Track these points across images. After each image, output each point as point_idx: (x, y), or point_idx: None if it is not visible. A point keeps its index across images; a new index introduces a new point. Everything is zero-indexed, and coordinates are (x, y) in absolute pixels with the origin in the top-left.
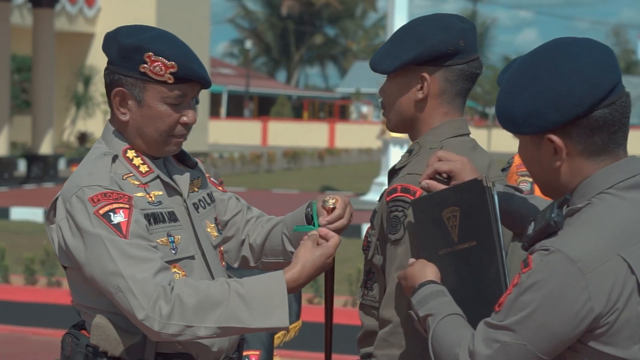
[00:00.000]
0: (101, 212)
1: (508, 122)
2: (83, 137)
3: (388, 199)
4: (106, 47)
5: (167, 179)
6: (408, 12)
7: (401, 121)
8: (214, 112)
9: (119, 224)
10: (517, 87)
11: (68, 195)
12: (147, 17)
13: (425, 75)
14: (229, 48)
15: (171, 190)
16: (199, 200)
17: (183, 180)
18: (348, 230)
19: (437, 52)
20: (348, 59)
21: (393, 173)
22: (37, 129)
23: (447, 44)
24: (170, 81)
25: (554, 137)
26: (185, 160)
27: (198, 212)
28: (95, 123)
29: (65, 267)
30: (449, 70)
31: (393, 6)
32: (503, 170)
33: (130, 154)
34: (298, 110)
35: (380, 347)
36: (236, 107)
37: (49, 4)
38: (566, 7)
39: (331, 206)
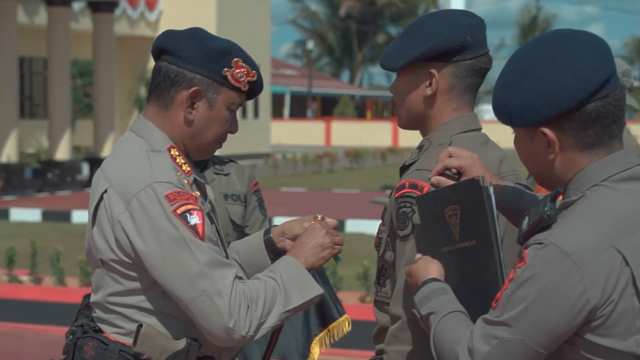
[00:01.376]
0: (179, 211)
1: (503, 114)
2: None
3: (396, 195)
4: (180, 45)
5: (202, 181)
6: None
7: (411, 118)
8: (277, 113)
9: (195, 225)
10: (512, 80)
11: (131, 192)
12: (208, 19)
13: (433, 71)
14: (292, 49)
15: (202, 192)
16: (214, 208)
17: (207, 184)
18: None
19: (444, 48)
20: None
21: (404, 170)
22: (99, 132)
23: (454, 40)
24: (244, 89)
25: (547, 131)
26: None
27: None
28: None
29: (99, 265)
30: (457, 65)
31: (452, 5)
32: None
33: (174, 152)
34: (361, 109)
35: (391, 343)
36: (299, 108)
37: (108, 8)
38: (634, 2)
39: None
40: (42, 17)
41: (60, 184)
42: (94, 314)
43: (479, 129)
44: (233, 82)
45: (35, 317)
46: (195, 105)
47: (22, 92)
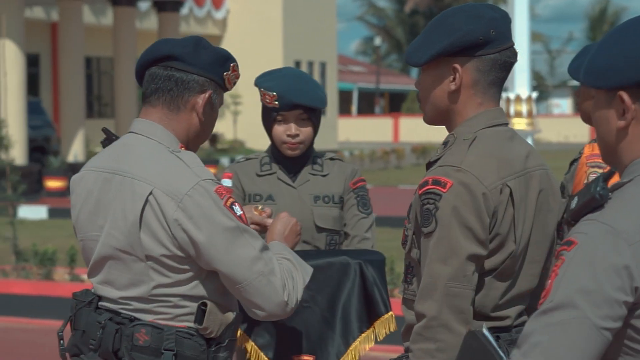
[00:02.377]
0: (228, 204)
1: (589, 73)
2: (214, 138)
3: (420, 192)
4: (191, 52)
5: None
6: (534, 4)
7: (436, 113)
8: (345, 110)
9: (241, 215)
10: (606, 43)
11: (180, 192)
12: (274, 17)
13: (457, 66)
14: (360, 46)
15: None
16: None
17: None
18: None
19: (467, 42)
20: None
21: (429, 166)
22: None
23: (477, 34)
24: (230, 88)
25: (625, 96)
26: None
27: None
28: (225, 124)
29: (142, 259)
30: (481, 60)
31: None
32: (574, 161)
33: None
34: None
35: (416, 341)
36: (367, 105)
37: (173, 7)
38: None
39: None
40: (108, 17)
41: None
42: (125, 307)
43: (505, 124)
44: (228, 84)
45: None
46: (204, 108)
47: (90, 92)
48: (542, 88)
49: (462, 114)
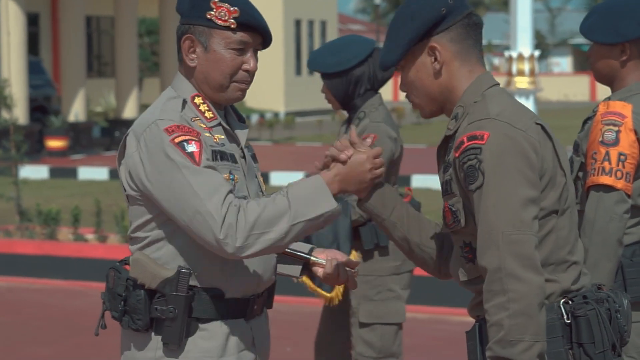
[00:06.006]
0: (176, 140)
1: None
2: None
3: (457, 154)
4: (178, 3)
5: (227, 127)
6: None
7: (432, 102)
8: None
9: (192, 152)
10: None
11: (141, 129)
12: None
13: (433, 44)
14: (360, 4)
15: (231, 138)
16: (252, 155)
17: (241, 132)
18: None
19: (433, 18)
20: (479, 11)
21: (447, 140)
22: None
23: (438, 7)
24: (233, 26)
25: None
26: (241, 120)
27: (253, 163)
28: None
29: (127, 202)
30: (452, 30)
31: None
32: (588, 119)
33: (198, 100)
34: None
35: (488, 299)
36: None
37: None
38: None
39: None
40: None
41: None
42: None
43: (498, 84)
44: (219, 22)
45: (100, 275)
46: (196, 52)
47: (90, 51)
48: (543, 47)
49: (457, 87)
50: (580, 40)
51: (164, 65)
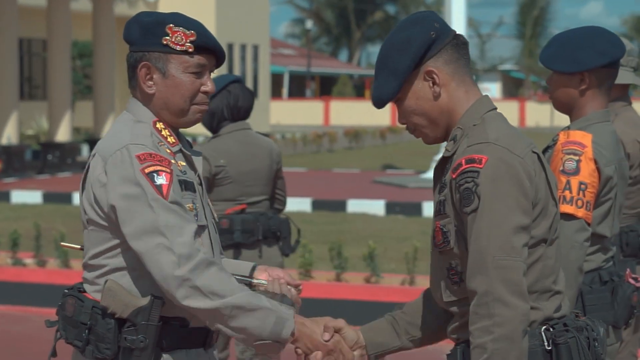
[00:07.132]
0: (147, 170)
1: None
2: None
3: (455, 175)
4: (128, 32)
5: (188, 153)
6: None
7: (435, 126)
8: (276, 93)
9: (160, 185)
10: None
11: (108, 152)
12: (206, 0)
13: (430, 68)
14: (290, 28)
15: (190, 165)
16: (202, 180)
17: (197, 158)
18: (409, 208)
19: (425, 43)
20: None
21: (444, 162)
22: (98, 114)
23: (427, 32)
24: (190, 50)
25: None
26: (191, 146)
27: (203, 190)
28: None
29: (86, 227)
30: (443, 53)
31: None
32: (547, 148)
33: (160, 125)
34: (360, 89)
35: (473, 322)
36: (298, 88)
37: None
38: None
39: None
40: None
41: (61, 166)
42: (82, 276)
43: (495, 108)
44: (176, 47)
45: (40, 299)
46: (154, 79)
47: (21, 74)
48: (472, 72)
49: (456, 109)
50: (509, 66)
51: (97, 88)
